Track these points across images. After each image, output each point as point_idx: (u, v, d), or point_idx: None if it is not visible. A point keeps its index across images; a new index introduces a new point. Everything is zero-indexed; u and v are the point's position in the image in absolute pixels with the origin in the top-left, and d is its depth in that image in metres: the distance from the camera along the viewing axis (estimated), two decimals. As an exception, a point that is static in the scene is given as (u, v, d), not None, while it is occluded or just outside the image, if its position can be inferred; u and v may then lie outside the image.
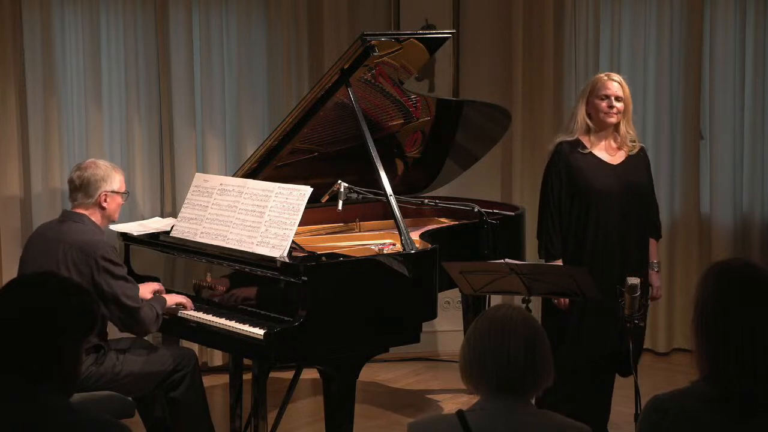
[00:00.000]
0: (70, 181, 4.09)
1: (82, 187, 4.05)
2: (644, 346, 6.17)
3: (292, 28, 5.92)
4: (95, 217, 4.07)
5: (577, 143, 4.40)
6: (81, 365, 2.24)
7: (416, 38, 4.57)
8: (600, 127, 4.40)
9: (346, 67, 4.31)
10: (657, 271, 4.49)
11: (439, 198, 5.09)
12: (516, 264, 3.91)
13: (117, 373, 3.95)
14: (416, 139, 5.09)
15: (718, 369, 2.23)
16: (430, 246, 4.21)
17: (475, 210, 4.84)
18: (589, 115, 4.41)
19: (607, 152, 4.42)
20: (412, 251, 4.06)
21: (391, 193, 4.20)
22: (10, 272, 5.40)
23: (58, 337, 2.15)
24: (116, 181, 4.11)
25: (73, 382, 2.21)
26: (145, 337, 4.96)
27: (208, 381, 4.71)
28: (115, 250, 4.05)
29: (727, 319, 2.23)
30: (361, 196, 4.55)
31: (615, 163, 4.41)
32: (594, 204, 4.35)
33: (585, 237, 4.36)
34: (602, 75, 4.45)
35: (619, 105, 4.37)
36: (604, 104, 4.36)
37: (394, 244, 4.40)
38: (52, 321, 2.15)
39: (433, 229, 4.67)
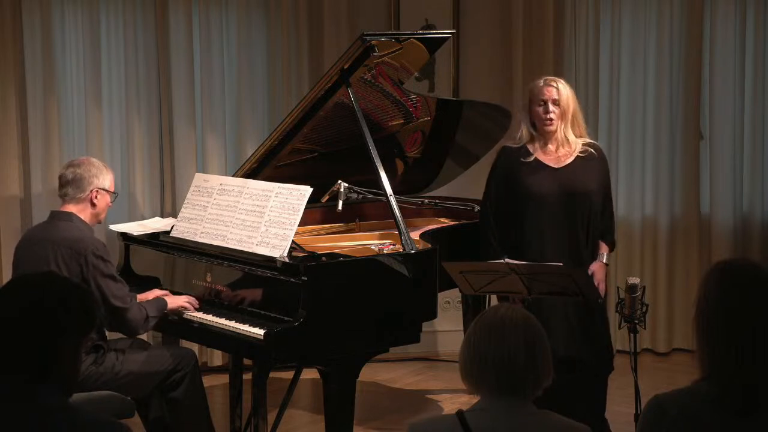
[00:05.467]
0: (62, 176, 4.06)
1: (74, 182, 4.02)
2: (644, 347, 6.24)
3: (292, 28, 5.92)
4: (84, 214, 4.04)
5: (522, 149, 4.39)
6: (81, 365, 2.24)
7: (416, 38, 4.57)
8: (541, 133, 4.37)
9: (346, 67, 4.32)
10: (604, 263, 4.40)
11: (439, 198, 5.10)
12: (516, 264, 3.91)
13: (116, 373, 3.94)
14: (416, 139, 5.09)
15: (719, 368, 2.23)
16: (430, 246, 4.21)
17: (475, 210, 4.85)
18: (531, 123, 4.39)
19: (552, 156, 4.38)
20: (412, 251, 4.06)
21: (391, 193, 4.20)
22: (10, 272, 5.40)
23: (58, 337, 2.15)
24: (108, 180, 4.09)
25: (72, 382, 2.21)
26: (145, 337, 4.98)
27: (208, 381, 4.71)
28: (105, 247, 4.00)
29: (728, 319, 2.23)
30: (361, 196, 4.55)
31: (558, 167, 4.36)
32: (531, 208, 4.32)
33: (522, 240, 4.34)
34: (539, 80, 4.38)
35: (555, 110, 4.31)
36: (540, 110, 4.33)
37: (394, 244, 4.40)
38: (52, 321, 2.15)
39: (433, 229, 4.67)
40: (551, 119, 4.31)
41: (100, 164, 4.12)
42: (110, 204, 4.14)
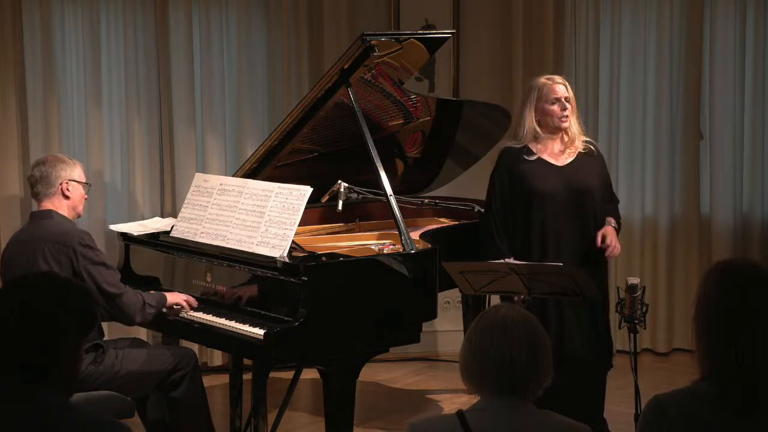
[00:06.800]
0: (30, 177, 4.06)
1: (42, 179, 4.01)
2: (644, 347, 6.24)
3: (292, 28, 5.92)
4: (62, 209, 4.03)
5: (524, 149, 4.38)
6: (81, 365, 2.24)
7: (416, 38, 4.57)
8: (550, 131, 4.38)
9: (346, 67, 4.32)
10: (615, 227, 4.39)
11: (439, 198, 5.10)
12: (516, 264, 3.91)
13: (116, 372, 3.94)
14: (416, 139, 5.09)
15: (719, 368, 2.23)
16: (430, 246, 4.21)
17: (475, 210, 4.85)
18: (537, 121, 4.39)
19: (555, 154, 4.39)
20: (412, 251, 4.06)
21: (391, 193, 4.20)
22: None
23: (58, 337, 2.15)
24: (76, 171, 4.08)
25: (73, 382, 2.21)
26: (145, 337, 4.98)
27: (208, 381, 4.71)
28: (90, 236, 3.99)
29: (728, 319, 2.23)
30: (361, 196, 4.55)
31: (562, 165, 4.38)
32: (539, 207, 4.32)
33: (532, 240, 4.34)
34: (545, 79, 4.40)
35: (569, 107, 4.35)
36: (556, 108, 4.34)
37: (394, 244, 4.40)
38: (53, 321, 2.15)
39: (433, 229, 4.67)
40: (567, 116, 4.35)
41: (64, 157, 4.12)
42: (86, 195, 4.12)
